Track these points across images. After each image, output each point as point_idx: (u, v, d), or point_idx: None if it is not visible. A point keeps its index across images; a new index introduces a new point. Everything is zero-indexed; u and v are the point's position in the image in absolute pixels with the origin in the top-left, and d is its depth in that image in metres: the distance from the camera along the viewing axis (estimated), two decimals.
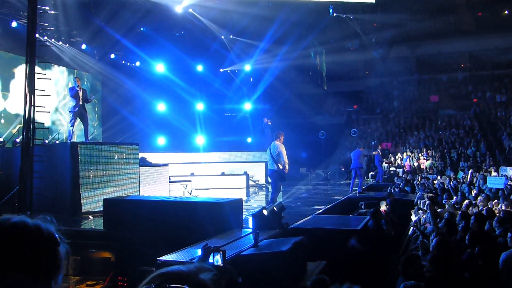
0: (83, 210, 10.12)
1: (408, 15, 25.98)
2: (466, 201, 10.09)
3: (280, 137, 9.91)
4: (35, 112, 9.34)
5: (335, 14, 21.76)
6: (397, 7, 24.50)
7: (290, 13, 19.95)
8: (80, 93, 12.08)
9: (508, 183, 13.17)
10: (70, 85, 16.60)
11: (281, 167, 9.54)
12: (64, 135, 17.65)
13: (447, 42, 32.60)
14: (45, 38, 16.29)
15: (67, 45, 18.55)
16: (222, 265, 3.18)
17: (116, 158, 11.04)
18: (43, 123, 10.50)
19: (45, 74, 10.29)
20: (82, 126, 12.65)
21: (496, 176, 16.58)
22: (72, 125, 12.31)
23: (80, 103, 12.10)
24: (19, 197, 9.06)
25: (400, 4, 24.63)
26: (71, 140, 12.16)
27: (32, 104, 9.18)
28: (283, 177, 9.76)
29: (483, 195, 10.99)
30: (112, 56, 20.79)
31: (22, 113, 9.56)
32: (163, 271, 1.15)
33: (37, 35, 10.35)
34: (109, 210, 8.13)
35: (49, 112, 10.82)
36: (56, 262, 1.33)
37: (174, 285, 1.10)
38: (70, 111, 12.34)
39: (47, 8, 14.96)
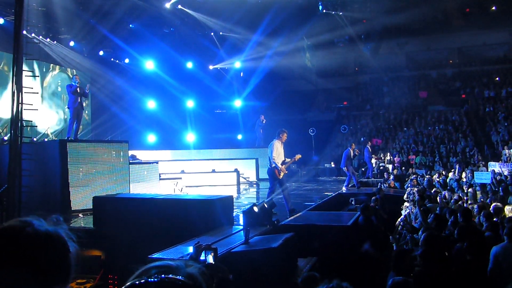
0: (73, 208, 10.08)
1: (397, 12, 26.06)
2: (455, 196, 10.18)
3: (280, 135, 9.78)
4: (23, 110, 9.25)
5: (324, 11, 21.78)
6: (386, 3, 24.59)
7: (279, 9, 19.94)
8: (79, 89, 12.01)
9: (497, 177, 13.30)
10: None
11: (274, 165, 9.52)
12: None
13: (436, 38, 32.79)
14: (33, 35, 16.13)
15: (55, 42, 18.39)
16: (213, 263, 3.18)
17: (105, 155, 10.99)
18: (31, 121, 10.41)
19: (32, 71, 10.18)
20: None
21: (484, 171, 16.72)
22: (72, 122, 12.21)
23: (79, 100, 12.02)
24: (7, 195, 8.98)
25: (389, 0, 24.73)
26: (69, 137, 12.10)
27: (20, 101, 9.09)
28: (273, 175, 9.65)
29: (471, 190, 11.09)
30: (101, 53, 20.64)
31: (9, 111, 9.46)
32: (152, 265, 1.21)
33: (24, 32, 10.25)
34: (99, 208, 8.09)
35: (37, 109, 10.71)
36: (65, 269, 1.39)
37: (169, 275, 1.15)
38: (69, 108, 12.24)
39: (34, 4, 14.83)
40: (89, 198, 9.03)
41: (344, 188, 14.85)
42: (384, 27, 27.60)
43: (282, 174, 9.60)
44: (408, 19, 27.57)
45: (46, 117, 18.49)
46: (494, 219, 6.70)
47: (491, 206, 7.67)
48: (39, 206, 10.24)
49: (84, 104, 12.80)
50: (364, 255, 7.02)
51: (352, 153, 15.37)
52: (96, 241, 7.56)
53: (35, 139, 15.07)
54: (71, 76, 12.53)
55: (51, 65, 19.39)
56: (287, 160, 9.88)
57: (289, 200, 9.70)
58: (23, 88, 9.23)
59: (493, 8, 29.79)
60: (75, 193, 10.21)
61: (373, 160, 21.09)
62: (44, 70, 19.00)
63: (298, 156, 10.38)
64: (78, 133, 12.67)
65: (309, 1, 21.05)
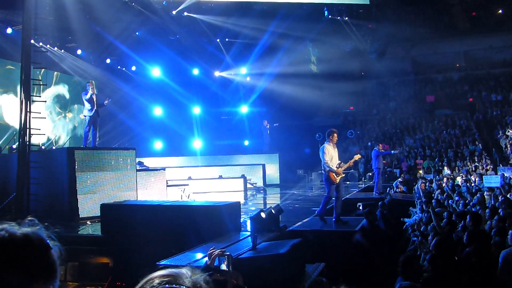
0: (81, 216, 10.10)
1: (403, 16, 26.05)
2: (463, 201, 10.11)
3: (329, 137, 8.99)
4: (31, 118, 9.33)
5: (330, 16, 21.80)
6: (392, 8, 24.56)
7: (285, 15, 19.97)
8: (94, 97, 12.03)
9: (506, 181, 13.22)
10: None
11: (328, 169, 8.76)
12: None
13: (442, 42, 32.71)
14: (40, 44, 16.27)
15: (62, 50, 18.54)
16: (227, 269, 3.16)
17: (113, 163, 11.02)
18: (39, 129, 10.48)
19: (40, 80, 10.27)
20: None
21: (493, 175, 16.60)
22: (88, 130, 12.25)
23: (95, 107, 12.04)
24: (16, 203, 9.04)
25: (394, 5, 24.71)
26: (86, 145, 12.15)
27: (28, 110, 9.16)
28: (329, 180, 8.88)
29: (479, 194, 11.01)
30: (108, 61, 20.78)
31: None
32: (156, 274, 1.21)
33: (32, 41, 10.35)
34: (107, 215, 8.11)
35: (45, 118, 10.78)
36: (49, 266, 1.33)
37: (173, 285, 1.16)
38: (85, 116, 12.28)
39: (42, 14, 14.95)
40: (97, 206, 9.06)
41: (374, 193, 14.68)
42: (390, 31, 27.55)
43: (338, 178, 8.89)
44: (414, 23, 27.55)
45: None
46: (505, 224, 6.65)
47: (499, 211, 7.62)
48: (47, 214, 10.29)
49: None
50: (371, 260, 6.99)
51: (380, 152, 15.15)
52: (104, 249, 7.59)
53: (43, 147, 15.17)
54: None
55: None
56: (342, 164, 9.09)
57: (339, 209, 8.98)
58: (31, 97, 9.31)
59: (499, 11, 29.68)
60: (83, 200, 10.24)
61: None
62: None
63: (357, 156, 9.76)
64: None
65: (314, 7, 21.06)
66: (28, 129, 9.26)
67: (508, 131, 23.91)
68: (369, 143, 26.26)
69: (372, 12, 23.15)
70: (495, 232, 6.09)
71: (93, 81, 12.81)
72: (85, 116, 12.28)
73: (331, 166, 8.76)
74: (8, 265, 1.25)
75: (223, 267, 3.16)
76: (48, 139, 17.15)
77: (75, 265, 7.23)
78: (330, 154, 8.84)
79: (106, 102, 12.45)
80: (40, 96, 10.50)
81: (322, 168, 8.92)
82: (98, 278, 7.16)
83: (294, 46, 23.35)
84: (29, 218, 1.38)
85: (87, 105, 12.06)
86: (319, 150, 9.09)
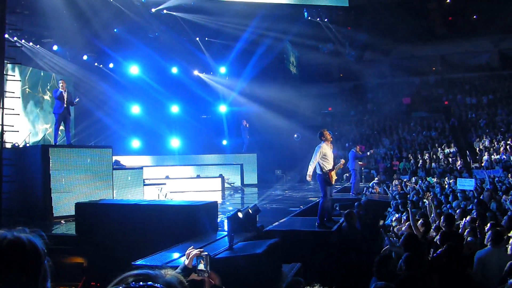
0: (55, 215, 9.96)
1: (382, 20, 26.37)
2: (437, 202, 10.26)
3: (321, 137, 8.55)
4: (4, 115, 9.13)
5: (309, 18, 21.94)
6: (370, 11, 24.85)
7: (265, 16, 20.03)
8: (65, 95, 11.90)
9: (478, 183, 13.45)
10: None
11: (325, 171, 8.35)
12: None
13: (419, 46, 33.23)
14: (15, 38, 15.93)
15: (38, 46, 18.19)
16: (205, 269, 3.14)
17: (88, 161, 10.88)
18: (13, 126, 10.26)
19: (14, 75, 10.06)
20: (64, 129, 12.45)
21: (467, 177, 16.89)
22: (57, 128, 12.13)
23: (65, 105, 11.92)
24: None
25: (373, 9, 25.01)
26: (57, 143, 11.98)
27: (1, 106, 8.97)
28: (327, 180, 8.48)
29: (452, 195, 11.20)
30: (85, 57, 20.45)
31: None
32: (130, 273, 1.22)
33: (6, 35, 10.13)
34: (81, 215, 8.00)
35: (18, 114, 10.57)
36: (46, 267, 1.45)
37: (148, 283, 1.17)
38: (54, 113, 12.18)
39: (17, 9, 14.66)
40: (72, 204, 8.92)
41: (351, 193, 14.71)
42: (368, 34, 27.87)
43: (333, 179, 8.52)
44: (392, 27, 27.93)
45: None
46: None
47: (473, 212, 7.77)
48: (20, 213, 10.10)
49: (71, 110, 12.63)
50: (347, 260, 7.05)
51: (357, 154, 15.20)
52: (78, 248, 7.48)
53: (17, 144, 14.86)
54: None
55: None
56: (337, 166, 8.86)
57: (325, 211, 8.55)
58: (5, 93, 9.11)
59: (474, 16, 30.32)
60: (57, 199, 10.08)
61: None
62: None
63: (342, 161, 9.55)
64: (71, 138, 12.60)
65: (294, 8, 21.19)
66: (1, 126, 9.06)
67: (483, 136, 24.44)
68: (347, 144, 26.47)
69: (351, 15, 23.40)
70: (468, 233, 6.21)
71: (64, 80, 12.67)
72: (54, 113, 12.17)
73: (327, 166, 8.39)
74: (18, 265, 1.33)
75: (201, 267, 3.14)
76: (22, 136, 16.78)
77: (49, 264, 7.10)
78: (327, 155, 8.45)
79: (76, 101, 12.43)
80: (14, 92, 10.28)
81: (318, 168, 8.46)
82: (72, 278, 7.04)
83: (274, 46, 23.40)
84: (19, 228, 1.45)
85: (57, 103, 11.98)
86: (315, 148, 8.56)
